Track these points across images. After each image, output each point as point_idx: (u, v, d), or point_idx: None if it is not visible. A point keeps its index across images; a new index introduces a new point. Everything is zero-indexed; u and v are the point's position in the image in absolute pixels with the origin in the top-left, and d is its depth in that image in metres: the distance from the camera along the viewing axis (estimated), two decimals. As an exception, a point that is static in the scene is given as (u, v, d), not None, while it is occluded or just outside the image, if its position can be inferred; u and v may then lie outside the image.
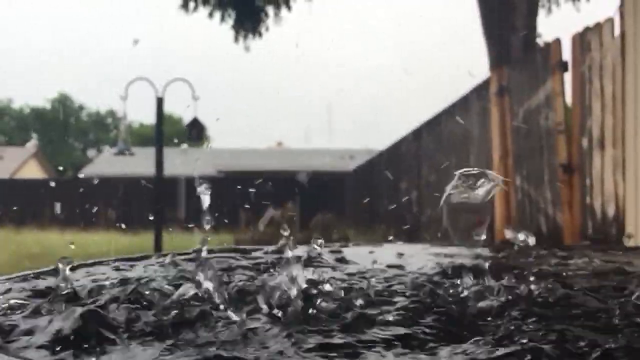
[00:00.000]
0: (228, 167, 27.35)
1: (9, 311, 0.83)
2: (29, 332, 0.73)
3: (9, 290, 0.97)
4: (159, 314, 0.77)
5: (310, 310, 0.79)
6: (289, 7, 13.48)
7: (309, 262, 1.19)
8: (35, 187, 23.40)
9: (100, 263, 1.26)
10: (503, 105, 6.72)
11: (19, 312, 0.82)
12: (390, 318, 0.78)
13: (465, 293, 0.91)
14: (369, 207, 14.89)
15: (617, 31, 4.71)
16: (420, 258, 1.37)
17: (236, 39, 13.45)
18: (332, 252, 1.37)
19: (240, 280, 0.97)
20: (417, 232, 10.37)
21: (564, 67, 5.47)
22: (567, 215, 5.35)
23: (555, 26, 9.47)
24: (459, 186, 0.80)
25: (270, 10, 13.42)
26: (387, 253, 1.44)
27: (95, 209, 20.35)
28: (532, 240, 1.00)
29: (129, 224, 16.57)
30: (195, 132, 13.54)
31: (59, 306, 0.82)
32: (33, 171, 37.10)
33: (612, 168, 4.71)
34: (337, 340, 0.69)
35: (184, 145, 32.87)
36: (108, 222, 19.21)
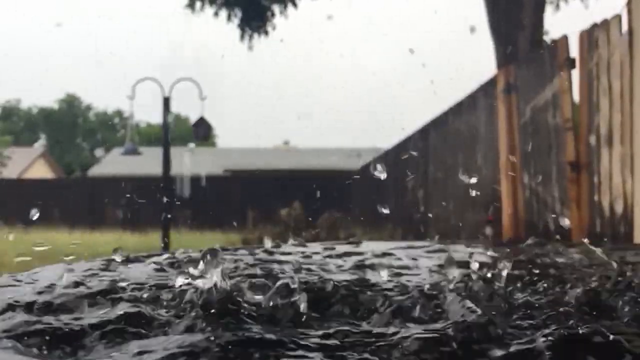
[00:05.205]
0: (235, 166, 27.40)
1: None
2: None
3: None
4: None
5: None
6: (295, 5, 13.49)
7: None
8: (44, 187, 23.53)
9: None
10: (510, 103, 6.70)
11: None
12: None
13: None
14: (375, 206, 14.88)
15: (624, 28, 4.68)
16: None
17: (242, 38, 13.48)
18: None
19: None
20: (425, 230, 10.35)
21: (571, 64, 5.45)
22: (575, 213, 5.33)
23: (562, 23, 9.44)
24: None
25: (276, 8, 13.43)
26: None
27: (103, 208, 20.44)
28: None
29: (137, 223, 16.64)
30: (201, 132, 13.56)
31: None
32: (41, 171, 37.28)
33: (620, 165, 4.69)
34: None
35: (191, 145, 32.97)
36: (116, 221, 19.29)
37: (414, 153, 11.68)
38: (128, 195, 19.72)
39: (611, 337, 0.63)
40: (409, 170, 12.05)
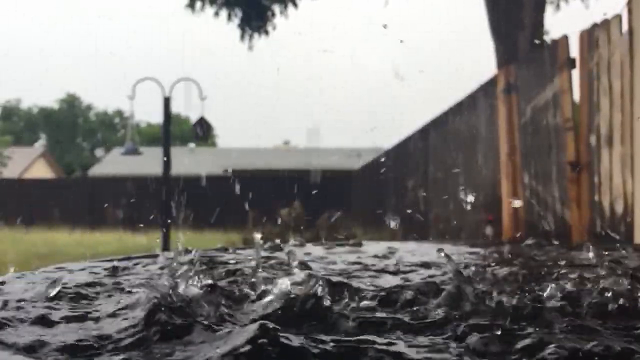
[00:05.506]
0: (235, 166, 27.40)
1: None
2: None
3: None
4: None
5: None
6: (295, 5, 13.48)
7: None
8: (44, 187, 23.52)
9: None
10: (510, 103, 6.70)
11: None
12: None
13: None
14: (375, 206, 14.88)
15: (625, 28, 4.68)
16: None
17: (242, 38, 13.48)
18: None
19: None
20: (425, 230, 10.35)
21: (571, 64, 5.45)
22: (575, 213, 5.33)
23: (563, 23, 9.44)
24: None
25: (276, 8, 13.43)
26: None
27: (105, 207, 20.44)
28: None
29: (137, 223, 16.62)
30: (202, 131, 13.55)
31: None
32: (41, 171, 37.28)
33: (621, 165, 4.69)
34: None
35: (192, 145, 32.99)
36: (116, 221, 19.28)
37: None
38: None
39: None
40: (410, 169, 12.05)
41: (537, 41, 8.05)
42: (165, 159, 12.28)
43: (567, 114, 5.50)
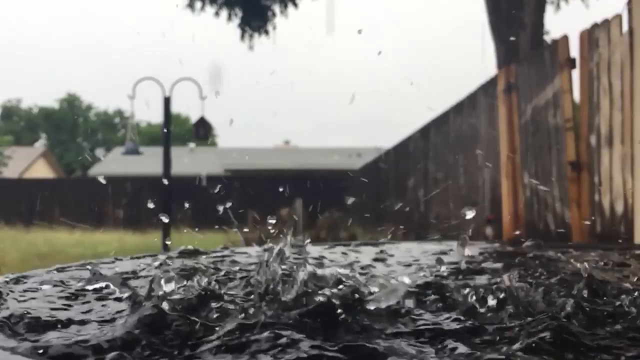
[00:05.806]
0: (235, 166, 27.41)
1: None
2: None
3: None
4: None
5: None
6: (295, 5, 13.49)
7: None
8: (44, 186, 23.52)
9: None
10: (511, 103, 6.70)
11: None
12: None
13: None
14: (376, 206, 14.87)
15: (625, 28, 4.68)
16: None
17: (242, 38, 13.49)
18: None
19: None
20: (425, 230, 10.35)
21: (572, 64, 5.45)
22: (575, 213, 5.33)
23: (563, 23, 9.45)
24: None
25: (276, 8, 13.43)
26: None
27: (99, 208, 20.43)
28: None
29: (137, 223, 16.62)
30: (202, 131, 13.56)
31: None
32: (42, 171, 37.28)
33: (621, 165, 4.69)
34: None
35: (192, 145, 32.99)
36: (116, 221, 19.28)
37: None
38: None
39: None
40: (410, 169, 12.04)
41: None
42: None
43: (568, 114, 5.50)
